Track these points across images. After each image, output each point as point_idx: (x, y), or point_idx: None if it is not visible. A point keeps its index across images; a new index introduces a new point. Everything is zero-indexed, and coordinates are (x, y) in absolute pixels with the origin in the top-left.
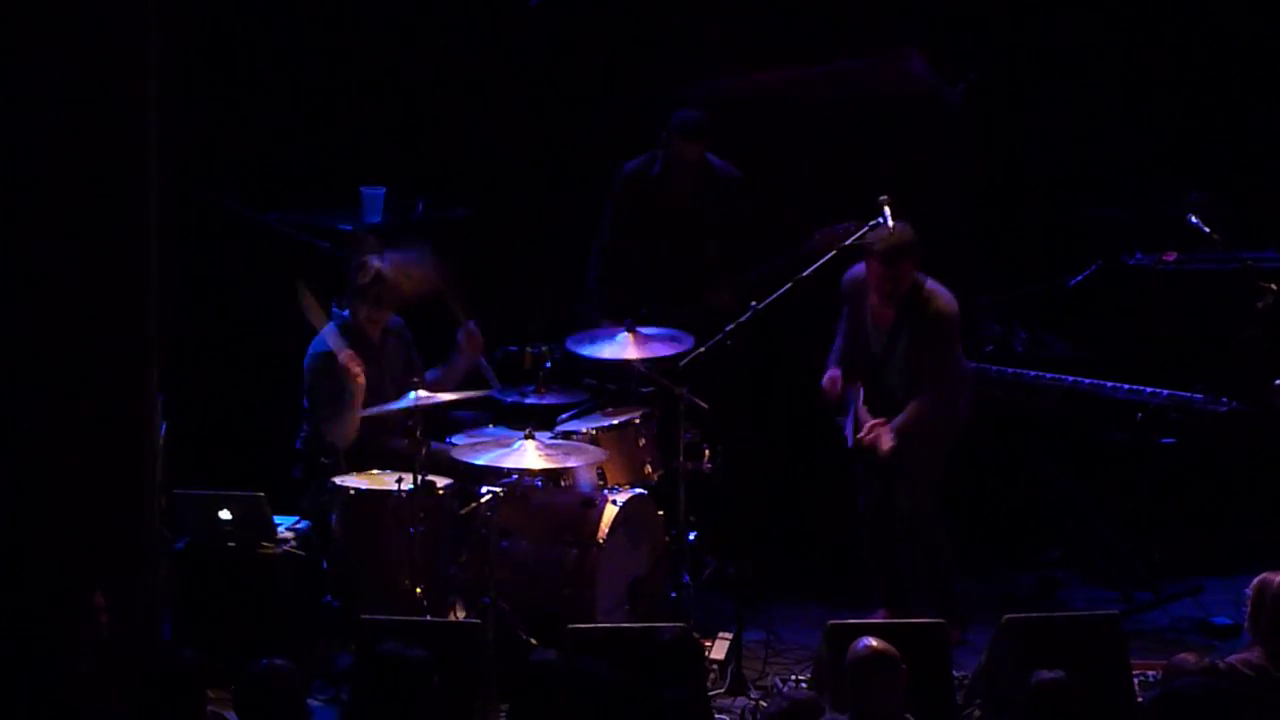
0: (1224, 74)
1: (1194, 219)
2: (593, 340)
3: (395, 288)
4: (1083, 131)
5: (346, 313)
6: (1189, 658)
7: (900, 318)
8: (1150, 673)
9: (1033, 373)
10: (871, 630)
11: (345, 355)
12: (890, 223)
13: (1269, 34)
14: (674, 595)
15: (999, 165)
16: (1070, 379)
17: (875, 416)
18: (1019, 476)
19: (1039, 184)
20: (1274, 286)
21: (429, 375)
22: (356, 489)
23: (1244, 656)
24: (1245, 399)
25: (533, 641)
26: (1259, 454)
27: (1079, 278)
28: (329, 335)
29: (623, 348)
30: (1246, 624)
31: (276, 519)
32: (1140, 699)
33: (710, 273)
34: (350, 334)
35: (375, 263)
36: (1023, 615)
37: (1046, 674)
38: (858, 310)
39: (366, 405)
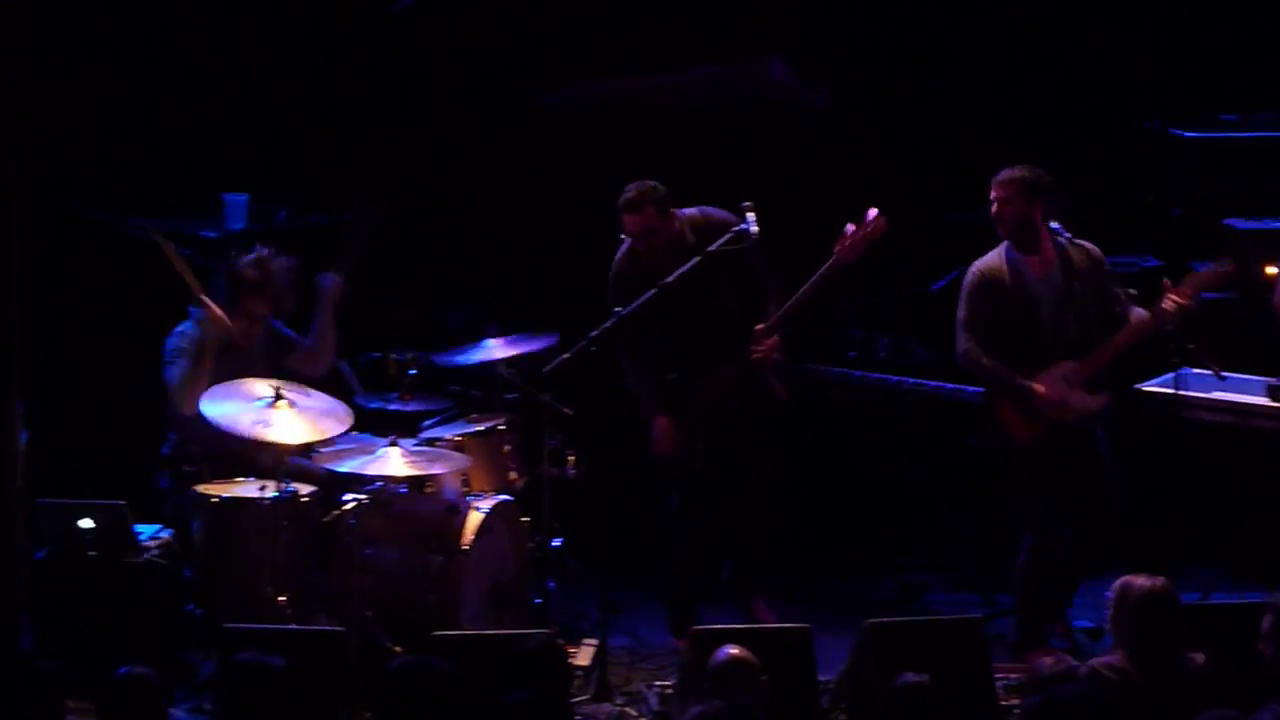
0: (1084, 80)
1: (1055, 225)
2: (460, 352)
3: (278, 280)
4: (944, 137)
5: (201, 313)
6: (1048, 661)
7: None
8: (1013, 676)
9: (895, 377)
10: (734, 636)
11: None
12: (754, 229)
13: (1125, 42)
14: (539, 601)
15: (861, 170)
16: (932, 384)
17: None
18: (881, 481)
19: (900, 189)
20: (1134, 291)
21: (306, 343)
22: (219, 497)
23: (1106, 660)
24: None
25: (397, 649)
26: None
27: (941, 283)
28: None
29: (488, 351)
30: (1108, 627)
31: (138, 528)
32: (1002, 702)
33: (735, 329)
34: (209, 328)
35: (250, 257)
36: (886, 620)
37: (911, 677)
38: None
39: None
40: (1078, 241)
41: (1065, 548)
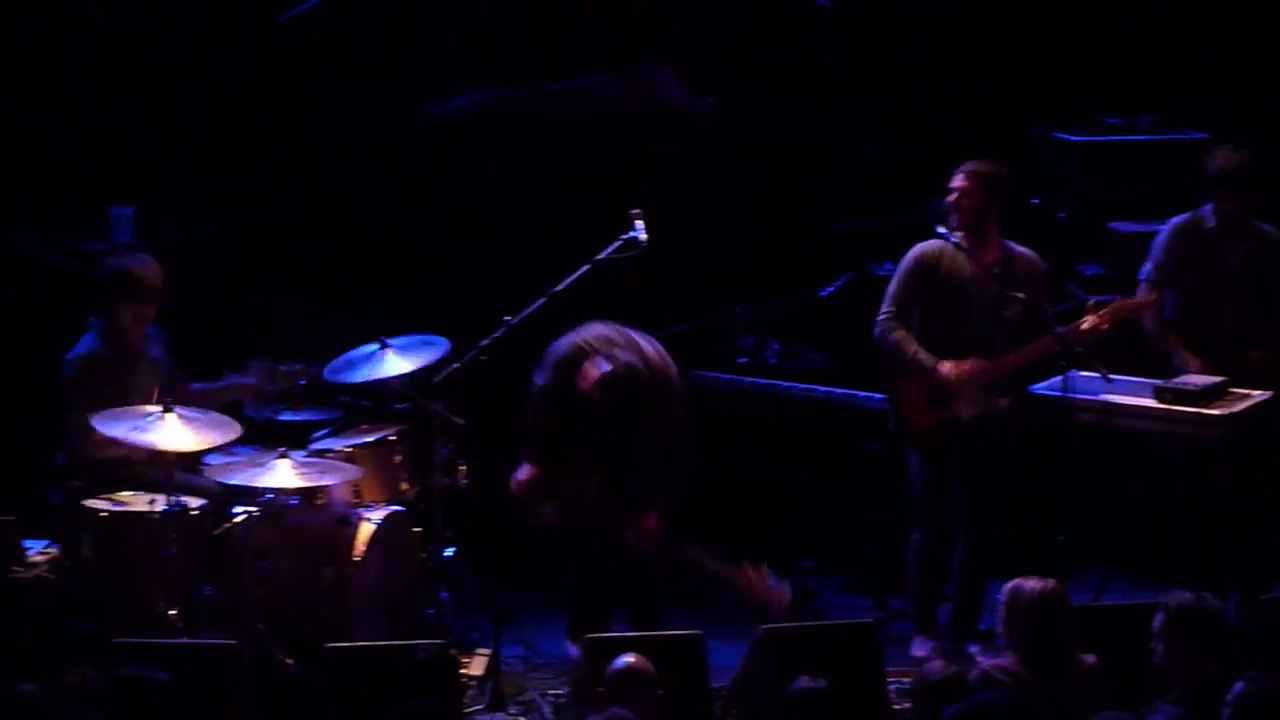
0: (970, 86)
1: (941, 230)
2: (350, 366)
3: (150, 282)
4: (832, 144)
5: (100, 322)
6: (937, 665)
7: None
8: (905, 680)
9: (785, 384)
10: (628, 645)
11: None
12: (643, 236)
13: (1009, 48)
14: (431, 612)
15: (750, 178)
16: (823, 389)
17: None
18: (774, 487)
19: (790, 196)
20: (1021, 295)
21: (195, 387)
22: (108, 511)
23: (997, 663)
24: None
25: (289, 661)
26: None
27: (830, 289)
28: (88, 341)
29: (380, 366)
30: (1000, 630)
31: (26, 543)
32: (895, 706)
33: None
34: (111, 341)
35: (115, 262)
36: (779, 625)
37: (806, 681)
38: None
39: (130, 398)
40: (1016, 249)
41: (960, 558)
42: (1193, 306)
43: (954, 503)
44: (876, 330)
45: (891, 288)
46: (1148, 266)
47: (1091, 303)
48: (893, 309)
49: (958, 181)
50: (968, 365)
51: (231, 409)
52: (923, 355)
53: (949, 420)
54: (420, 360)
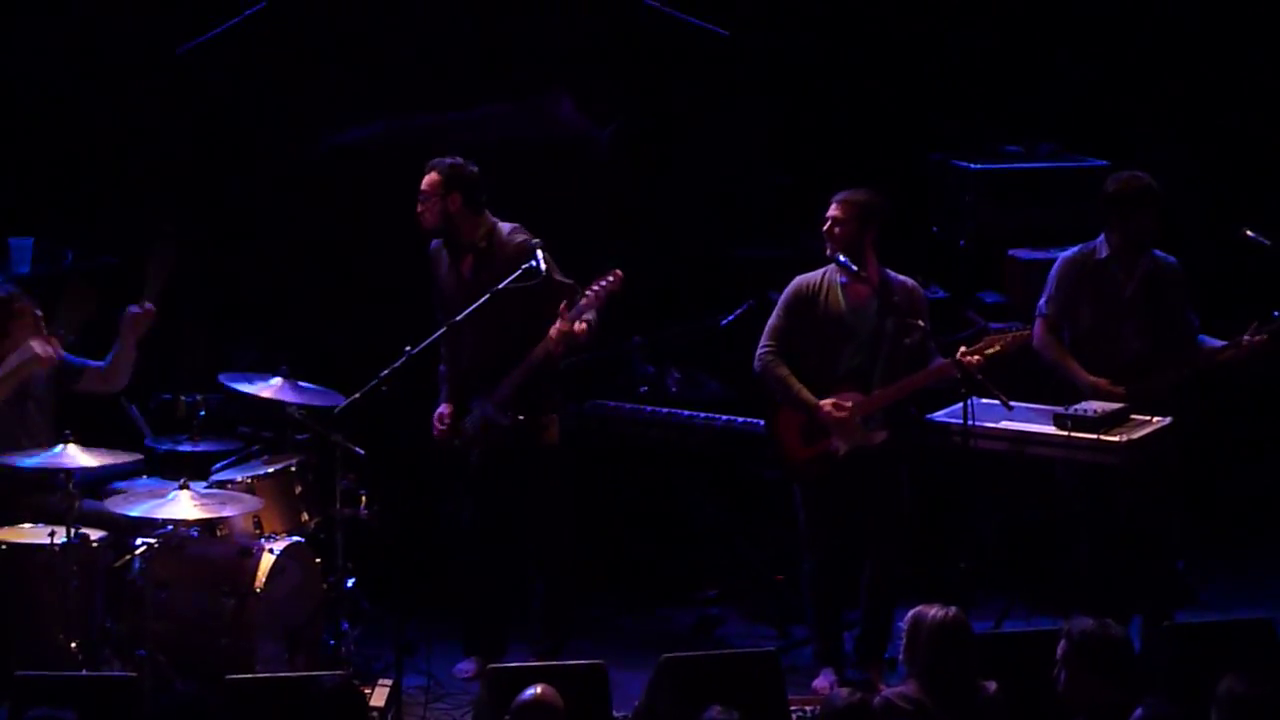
0: (870, 113)
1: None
2: (249, 380)
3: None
4: (731, 172)
5: None
6: (842, 692)
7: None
8: (809, 708)
9: (687, 412)
10: (532, 675)
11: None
12: (543, 266)
13: (909, 76)
14: (333, 643)
15: (648, 207)
16: (724, 418)
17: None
18: (675, 515)
19: (689, 225)
20: (922, 323)
21: (99, 364)
22: (7, 543)
23: (900, 690)
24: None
25: (190, 693)
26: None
27: (730, 317)
28: None
29: (278, 390)
30: (902, 657)
31: None
32: None
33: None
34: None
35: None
36: (681, 654)
37: (718, 713)
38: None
39: (20, 441)
40: (896, 280)
41: (863, 585)
42: (1090, 337)
43: (846, 531)
44: (757, 365)
45: (771, 322)
46: (1042, 301)
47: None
48: (772, 343)
49: (832, 210)
50: (849, 403)
51: (134, 441)
52: (805, 394)
53: (825, 454)
54: (317, 398)
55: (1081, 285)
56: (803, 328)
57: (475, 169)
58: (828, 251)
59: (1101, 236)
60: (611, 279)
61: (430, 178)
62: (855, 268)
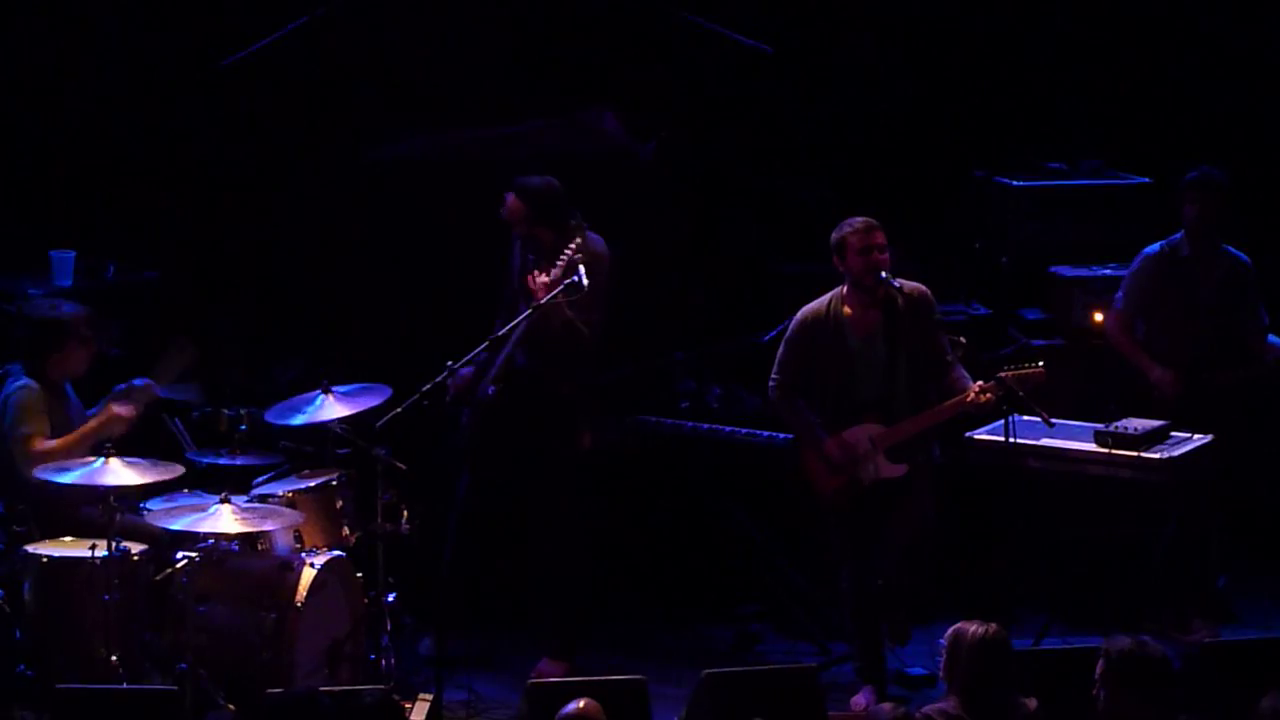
0: (912, 130)
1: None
2: (292, 409)
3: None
4: (774, 188)
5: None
6: (885, 708)
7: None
8: None
9: (728, 428)
10: (573, 690)
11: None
12: (585, 280)
13: (952, 92)
14: (374, 657)
15: (691, 222)
16: (764, 434)
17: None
18: (716, 531)
19: (731, 240)
20: (963, 340)
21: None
22: (49, 557)
23: (940, 706)
24: (946, 450)
25: (231, 708)
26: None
27: (772, 334)
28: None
29: (322, 410)
30: (942, 674)
31: None
32: None
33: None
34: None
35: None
36: (722, 670)
37: None
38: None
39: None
40: (907, 285)
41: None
42: (1164, 331)
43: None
44: (770, 396)
45: (780, 353)
46: (1119, 295)
47: (979, 383)
48: (780, 376)
49: (879, 238)
50: (866, 431)
51: (174, 453)
52: (813, 430)
53: (851, 483)
54: (363, 405)
55: (1163, 281)
56: (814, 359)
57: (554, 187)
58: (881, 275)
59: (1180, 234)
60: (572, 248)
61: (513, 204)
62: (898, 285)
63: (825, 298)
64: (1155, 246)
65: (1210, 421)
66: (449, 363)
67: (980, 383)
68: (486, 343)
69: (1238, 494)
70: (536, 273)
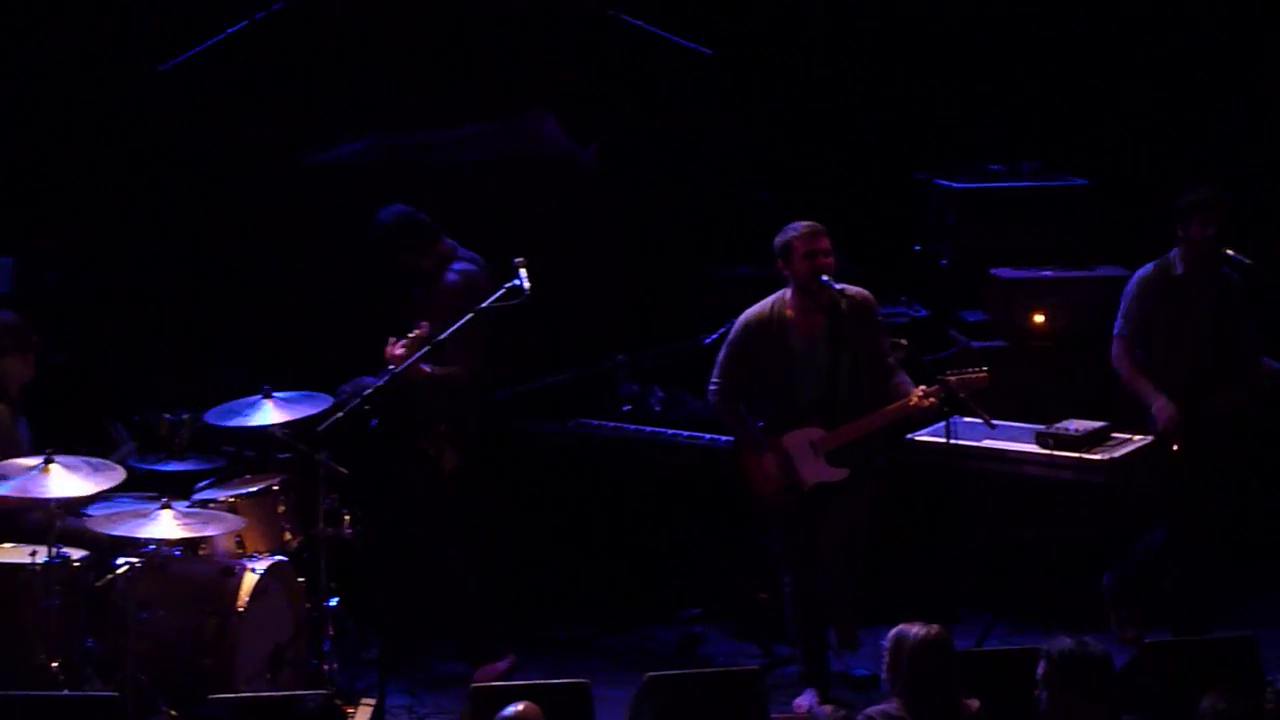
0: (853, 132)
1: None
2: (231, 411)
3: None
4: (715, 191)
5: None
6: (827, 710)
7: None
8: None
9: (670, 431)
10: (515, 693)
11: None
12: (526, 285)
13: (893, 95)
14: (316, 663)
15: (632, 226)
16: (707, 437)
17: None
18: (659, 534)
19: (672, 243)
20: (904, 342)
21: None
22: None
23: (883, 708)
24: (891, 454)
25: (173, 713)
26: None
27: (713, 336)
28: None
29: (262, 415)
30: (885, 675)
31: None
32: None
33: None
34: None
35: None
36: (665, 672)
37: None
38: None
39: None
40: (850, 290)
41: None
42: (1160, 353)
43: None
44: (710, 399)
45: (721, 357)
46: (1119, 321)
47: (921, 387)
48: (720, 380)
49: (825, 243)
50: (807, 435)
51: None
52: (755, 436)
53: (790, 487)
54: (302, 411)
55: (1157, 302)
56: (756, 362)
57: (408, 216)
58: (822, 279)
59: (1175, 251)
60: (418, 330)
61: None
62: (839, 288)
63: (768, 301)
64: (1148, 268)
65: (1207, 443)
66: (390, 366)
67: (923, 387)
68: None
69: (1237, 513)
70: (393, 340)
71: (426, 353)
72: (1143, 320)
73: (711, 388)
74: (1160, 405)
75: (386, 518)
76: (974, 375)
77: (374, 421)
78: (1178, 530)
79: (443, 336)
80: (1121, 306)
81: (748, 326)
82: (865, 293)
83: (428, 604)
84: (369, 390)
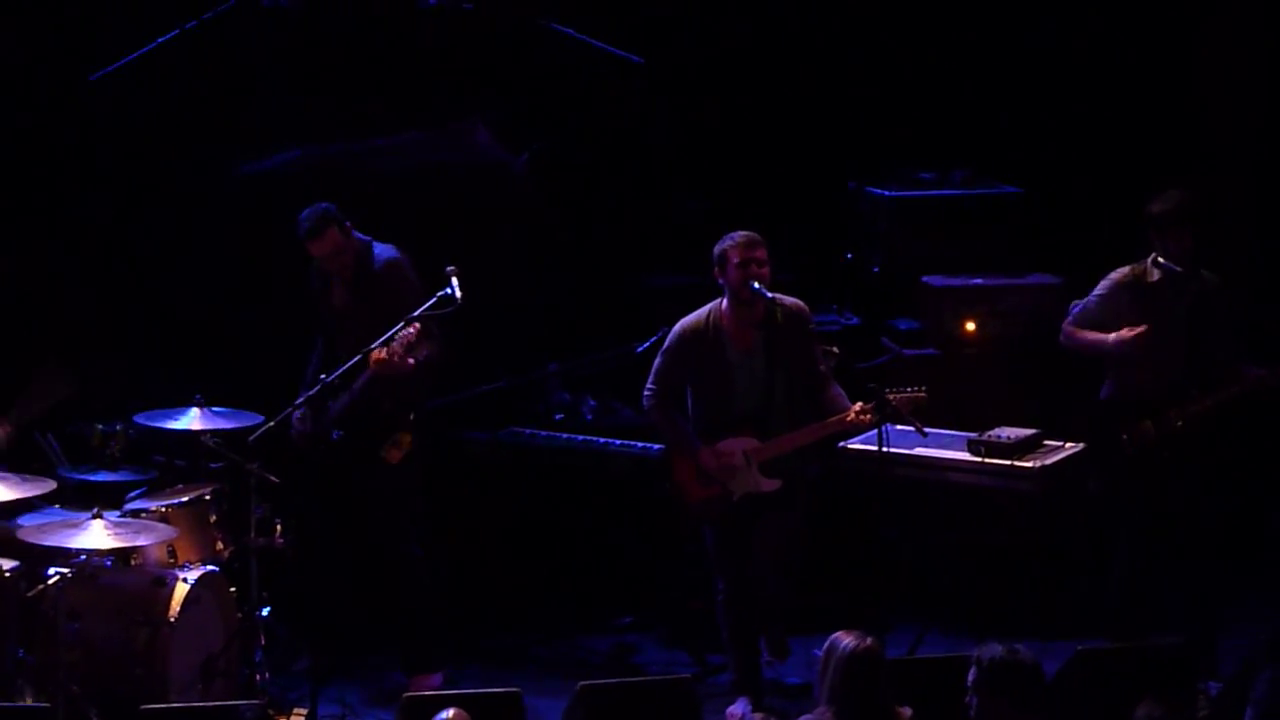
0: (784, 142)
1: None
2: (166, 416)
3: None
4: (649, 199)
5: None
6: (759, 717)
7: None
8: None
9: (602, 439)
10: (447, 702)
11: None
12: (458, 294)
13: (826, 105)
14: (248, 672)
15: (565, 234)
16: (639, 445)
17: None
18: (592, 543)
19: (604, 252)
20: (835, 350)
21: None
22: None
23: (815, 716)
24: (823, 463)
25: None
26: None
27: (645, 345)
28: None
29: (193, 421)
30: (817, 684)
31: None
32: None
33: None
34: None
35: None
36: (597, 681)
37: None
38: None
39: None
40: (786, 301)
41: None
42: (1135, 359)
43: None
44: (645, 405)
45: (657, 364)
46: (1078, 310)
47: (859, 403)
48: (656, 386)
49: (759, 253)
50: (741, 444)
51: (47, 470)
52: (688, 440)
53: (720, 496)
54: (234, 421)
55: (1132, 308)
56: (691, 371)
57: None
58: (754, 287)
59: (1150, 258)
60: (411, 330)
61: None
62: (770, 297)
63: (704, 310)
64: (1124, 271)
65: (1181, 448)
66: (322, 375)
67: (860, 403)
68: (318, 387)
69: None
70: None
71: (360, 361)
72: (1104, 320)
73: (646, 394)
74: (1116, 339)
75: (345, 525)
76: (914, 394)
77: (335, 434)
78: (1131, 533)
79: (378, 343)
80: (1088, 297)
81: (683, 335)
82: (800, 304)
83: (379, 611)
84: (301, 398)
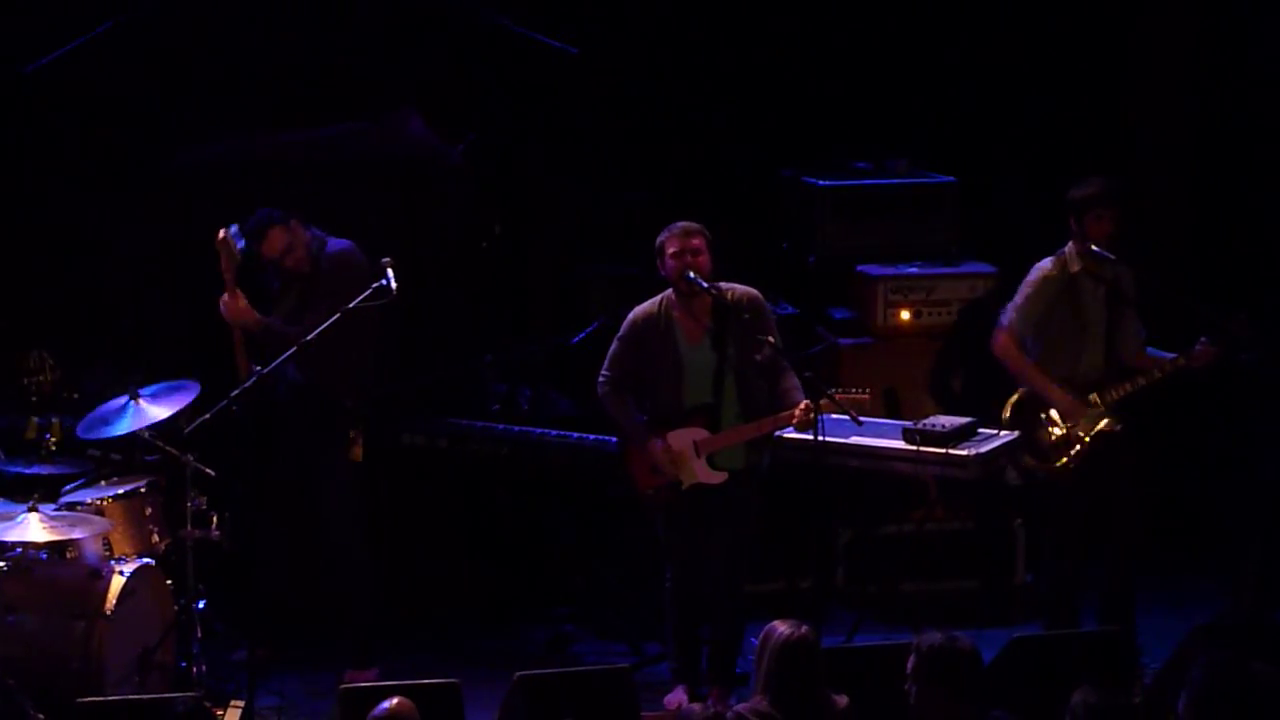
0: (719, 130)
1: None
2: (104, 422)
3: None
4: (585, 190)
5: None
6: (697, 708)
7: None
8: None
9: (538, 430)
10: (387, 694)
11: None
12: (394, 284)
13: (760, 94)
14: (185, 665)
15: (500, 224)
16: (575, 436)
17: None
18: (528, 533)
19: (541, 242)
20: (771, 339)
21: None
22: None
23: (751, 705)
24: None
25: (41, 717)
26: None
27: (581, 335)
28: None
29: (132, 419)
30: (753, 672)
31: None
32: None
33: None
34: None
35: None
36: (535, 671)
37: None
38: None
39: None
40: (737, 290)
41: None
42: (1056, 348)
43: (702, 549)
44: (599, 391)
45: (612, 350)
46: (1009, 311)
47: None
48: (610, 372)
49: (695, 242)
50: (691, 434)
51: None
52: (637, 429)
53: (670, 486)
54: (173, 407)
55: (1059, 300)
56: (643, 360)
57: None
58: (689, 276)
59: (1068, 247)
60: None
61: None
62: (706, 285)
63: (656, 299)
64: (1048, 262)
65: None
66: (256, 367)
67: (807, 403)
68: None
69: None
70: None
71: (295, 353)
72: (1038, 316)
73: (601, 379)
74: (1061, 401)
75: (287, 517)
76: (858, 395)
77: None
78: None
79: (311, 336)
80: (1017, 299)
81: (635, 323)
82: (752, 292)
83: (317, 603)
84: (236, 391)
